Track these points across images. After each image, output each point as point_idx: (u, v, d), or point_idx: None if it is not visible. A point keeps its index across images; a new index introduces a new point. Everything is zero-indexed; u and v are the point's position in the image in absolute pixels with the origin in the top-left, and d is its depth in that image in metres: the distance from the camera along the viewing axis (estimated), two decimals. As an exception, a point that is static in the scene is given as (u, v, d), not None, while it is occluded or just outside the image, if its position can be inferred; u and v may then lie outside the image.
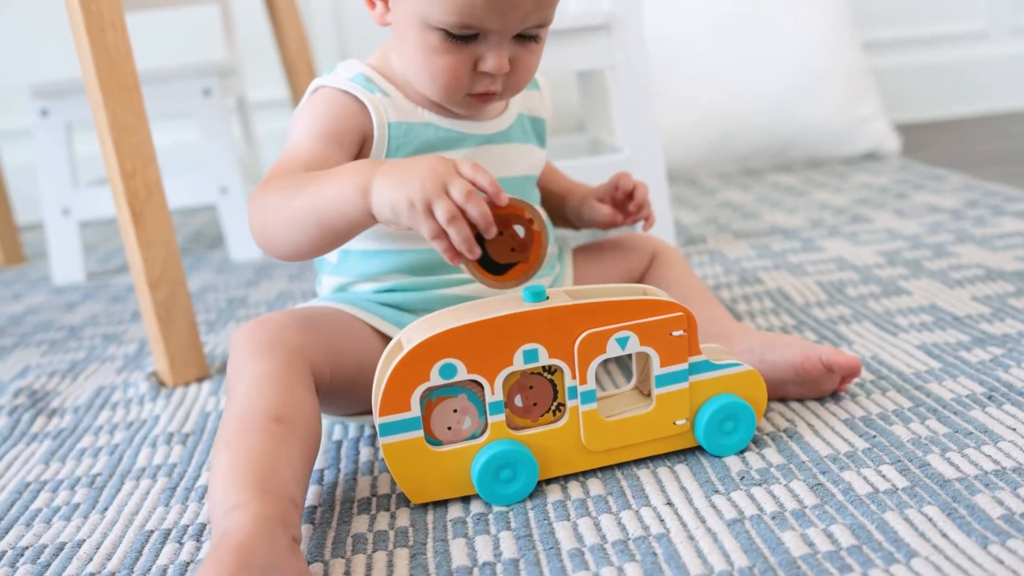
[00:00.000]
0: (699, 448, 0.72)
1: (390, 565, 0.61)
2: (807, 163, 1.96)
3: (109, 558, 0.65)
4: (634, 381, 0.75)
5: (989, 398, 0.75)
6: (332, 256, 0.82)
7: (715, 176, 1.94)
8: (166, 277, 0.98)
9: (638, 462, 0.71)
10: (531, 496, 0.68)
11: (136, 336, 1.20)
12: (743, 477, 0.67)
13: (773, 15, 1.96)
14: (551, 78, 0.97)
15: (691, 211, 1.62)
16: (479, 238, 0.63)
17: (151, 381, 0.99)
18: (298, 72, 1.71)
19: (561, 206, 0.93)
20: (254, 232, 0.71)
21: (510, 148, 0.82)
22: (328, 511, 0.69)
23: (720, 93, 1.92)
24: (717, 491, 0.66)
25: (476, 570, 0.59)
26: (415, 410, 0.66)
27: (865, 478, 0.65)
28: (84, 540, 0.68)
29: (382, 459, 0.76)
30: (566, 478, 0.70)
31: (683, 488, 0.67)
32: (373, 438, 0.81)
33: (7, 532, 0.71)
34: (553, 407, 0.69)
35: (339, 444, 0.80)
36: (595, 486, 0.68)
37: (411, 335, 0.67)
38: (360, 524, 0.67)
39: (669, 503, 0.65)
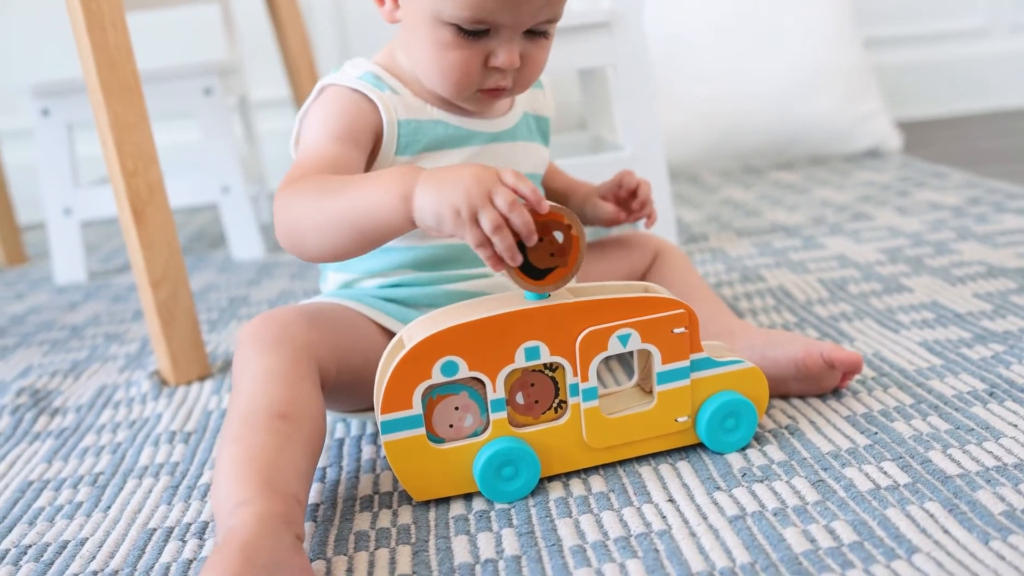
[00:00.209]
0: (701, 445, 0.72)
1: (392, 562, 0.61)
2: (808, 160, 1.96)
3: (112, 556, 0.66)
4: (636, 378, 0.75)
5: (991, 395, 0.75)
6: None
7: (716, 174, 1.94)
8: (168, 276, 0.98)
9: (640, 459, 0.71)
10: (533, 493, 0.68)
11: (138, 335, 1.20)
12: (745, 474, 0.67)
13: (774, 12, 1.96)
14: (552, 76, 0.97)
15: (693, 209, 1.62)
16: (520, 244, 0.63)
17: (153, 380, 0.99)
18: (299, 71, 1.71)
19: (564, 204, 0.93)
20: (281, 234, 0.70)
21: (516, 146, 0.82)
22: (330, 509, 0.69)
23: (721, 91, 1.92)
24: (719, 488, 0.66)
25: (478, 567, 0.60)
26: (417, 408, 0.66)
27: (867, 474, 0.65)
28: (87, 538, 0.69)
29: (384, 457, 0.76)
30: (568, 475, 0.70)
31: (685, 485, 0.67)
32: (375, 436, 0.81)
33: (10, 531, 0.71)
34: (555, 404, 0.69)
35: (341, 442, 0.81)
36: (597, 483, 0.68)
37: (413, 333, 0.67)
38: (362, 522, 0.67)
39: (671, 500, 0.65)
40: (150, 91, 1.14)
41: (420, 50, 0.73)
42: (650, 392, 0.71)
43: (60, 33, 1.48)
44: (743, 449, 0.71)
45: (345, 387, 0.74)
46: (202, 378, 1.00)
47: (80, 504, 0.74)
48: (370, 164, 0.76)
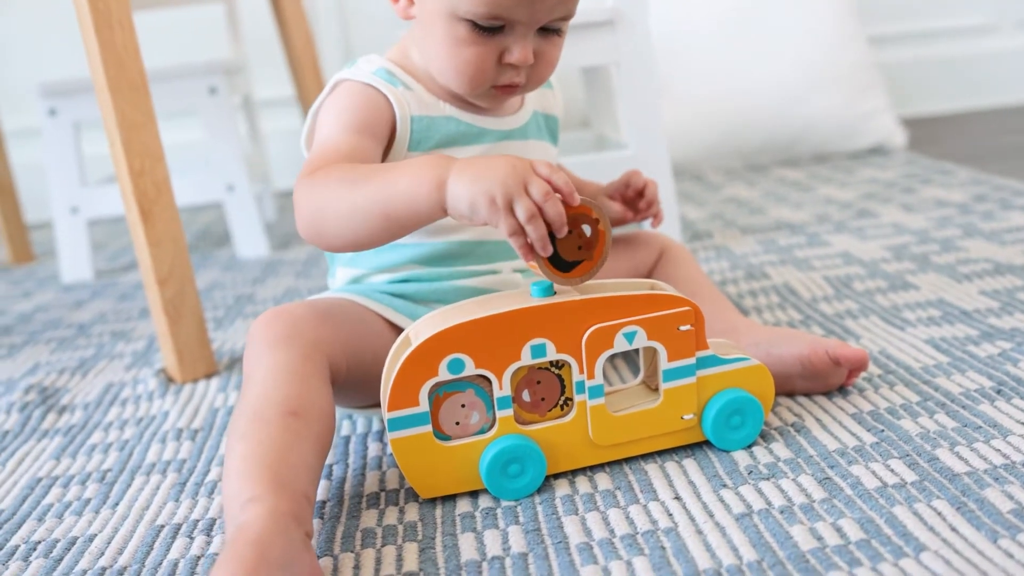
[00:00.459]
0: (707, 443, 0.72)
1: (399, 559, 0.61)
2: (813, 158, 1.96)
3: (120, 552, 0.66)
4: (641, 376, 0.75)
5: (998, 392, 0.75)
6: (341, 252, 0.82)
7: (721, 171, 1.94)
8: (175, 274, 0.98)
9: (646, 457, 0.71)
10: (539, 491, 0.68)
11: (144, 333, 1.20)
12: (751, 471, 0.67)
13: (778, 10, 1.96)
14: (556, 74, 0.97)
15: (697, 207, 1.62)
16: (550, 235, 0.64)
17: (160, 378, 1.00)
18: (304, 70, 1.71)
19: None
20: (304, 222, 0.70)
21: (527, 144, 0.82)
22: (337, 506, 0.70)
23: (725, 88, 1.92)
24: (725, 485, 0.66)
25: (485, 564, 0.60)
26: (423, 405, 0.66)
27: (873, 472, 0.65)
28: (96, 535, 0.69)
29: (390, 454, 0.77)
30: (574, 473, 0.70)
31: (691, 482, 0.67)
32: (381, 433, 0.81)
33: (20, 527, 0.71)
34: (561, 402, 0.69)
35: (347, 439, 0.81)
36: (603, 480, 0.69)
37: (419, 330, 0.67)
38: (369, 519, 0.67)
39: (677, 497, 0.65)
40: (155, 90, 1.14)
41: (435, 46, 0.74)
42: (656, 389, 0.71)
43: (67, 33, 1.48)
44: (749, 447, 0.71)
45: (354, 383, 0.75)
46: (208, 376, 1.01)
47: (88, 501, 0.75)
48: (383, 159, 0.77)
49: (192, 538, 0.67)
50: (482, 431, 0.68)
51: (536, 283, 0.68)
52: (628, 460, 0.71)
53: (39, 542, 0.69)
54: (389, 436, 0.66)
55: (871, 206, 1.47)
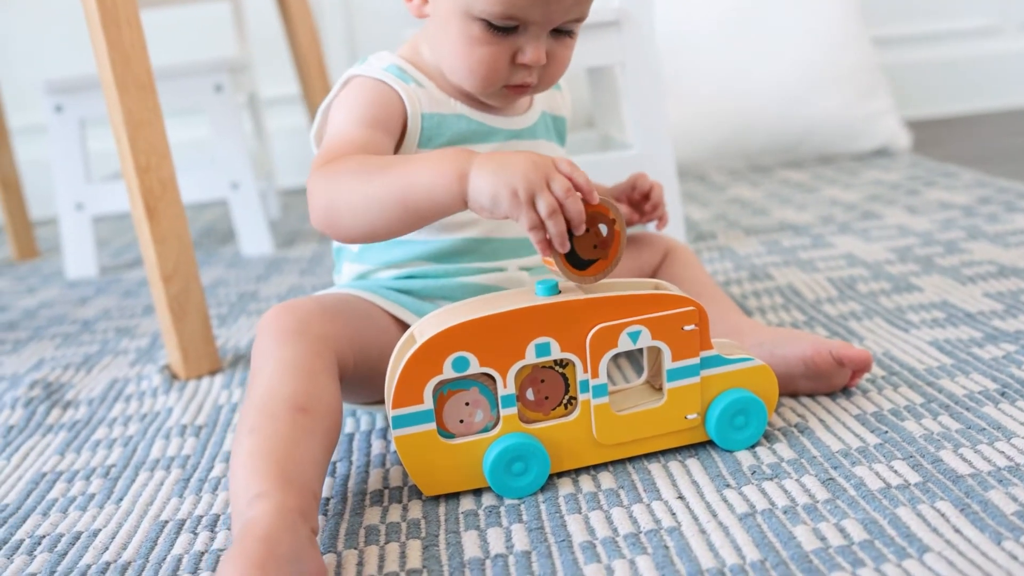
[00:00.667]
0: (710, 442, 0.72)
1: (403, 556, 0.62)
2: (817, 159, 1.96)
3: (125, 547, 0.66)
4: (645, 375, 0.75)
5: (1002, 394, 0.75)
6: (353, 245, 0.83)
7: (724, 172, 1.94)
8: (179, 271, 0.98)
9: (649, 456, 0.71)
10: (542, 489, 0.68)
11: (148, 330, 1.21)
12: (754, 471, 0.67)
13: (782, 10, 1.96)
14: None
15: (701, 207, 1.62)
16: (568, 233, 0.65)
17: (164, 374, 1.00)
18: (309, 68, 1.72)
19: None
20: (319, 213, 0.70)
21: (536, 144, 0.83)
22: (341, 503, 0.70)
23: (729, 89, 1.92)
24: (728, 485, 0.66)
25: (488, 562, 0.60)
26: (428, 403, 0.66)
27: (877, 473, 0.65)
28: (100, 530, 0.69)
29: (394, 451, 0.77)
30: (577, 471, 0.70)
31: (694, 482, 0.67)
32: (385, 431, 0.81)
33: (24, 521, 0.72)
34: (565, 401, 0.69)
35: (351, 436, 0.81)
36: (606, 479, 0.69)
37: (424, 328, 0.67)
38: (373, 516, 0.67)
39: (680, 497, 0.65)
40: (161, 88, 1.14)
41: (448, 45, 0.74)
42: (660, 389, 0.71)
43: (73, 30, 1.49)
44: (753, 447, 0.71)
45: (360, 379, 0.75)
46: (212, 372, 1.01)
47: (93, 496, 0.75)
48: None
49: (196, 534, 0.67)
50: (486, 429, 0.68)
51: (541, 282, 0.68)
52: (631, 459, 0.71)
53: (43, 537, 0.69)
54: (393, 433, 0.66)
55: (875, 208, 1.47)
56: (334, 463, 0.76)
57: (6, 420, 0.92)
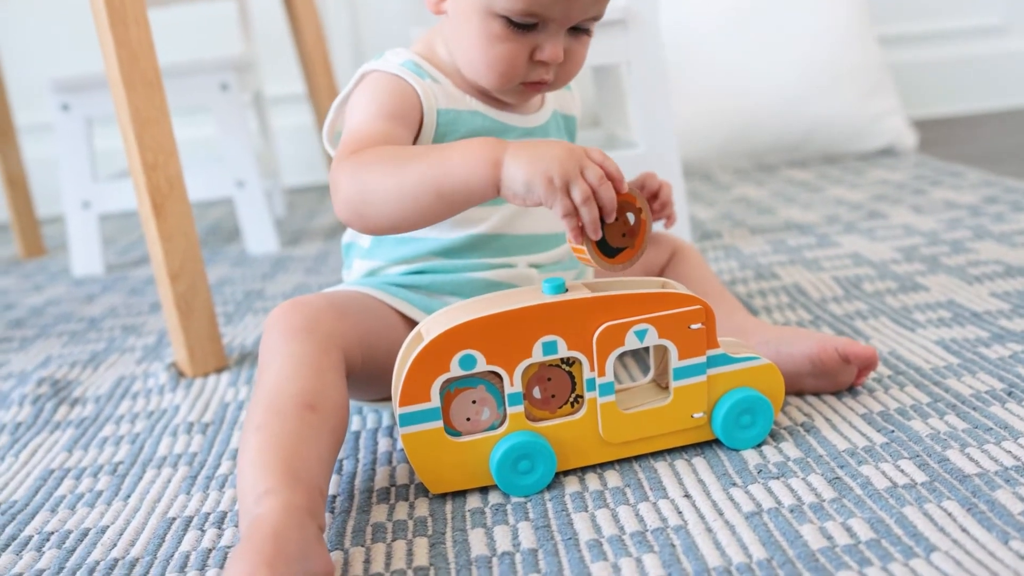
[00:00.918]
0: (716, 441, 0.72)
1: (410, 554, 0.62)
2: (822, 158, 1.96)
3: (132, 544, 0.66)
4: (652, 374, 0.75)
5: (1009, 394, 0.75)
6: (364, 241, 0.83)
7: (730, 171, 1.94)
8: (186, 269, 0.99)
9: (655, 454, 0.72)
10: (549, 487, 0.68)
11: (155, 328, 1.21)
12: (761, 470, 0.67)
13: (788, 9, 1.95)
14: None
15: (706, 206, 1.62)
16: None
17: (170, 372, 1.00)
18: (314, 67, 1.72)
19: None
20: (346, 203, 0.70)
21: None
22: (347, 500, 0.70)
23: (735, 88, 1.92)
24: (735, 484, 0.66)
25: (495, 560, 0.60)
26: (434, 401, 0.66)
27: (883, 472, 0.65)
28: (108, 526, 0.69)
29: (401, 449, 0.77)
30: (584, 470, 0.70)
31: (701, 481, 0.67)
32: (391, 428, 0.82)
33: (33, 517, 0.72)
34: (571, 399, 0.69)
35: (358, 434, 0.81)
36: (613, 478, 0.69)
37: (431, 326, 0.67)
38: (379, 513, 0.67)
39: (687, 495, 0.65)
40: (167, 86, 1.14)
41: (467, 41, 0.74)
42: (666, 388, 0.71)
43: (80, 29, 1.49)
44: (759, 446, 0.71)
45: (368, 377, 0.75)
46: (219, 370, 1.01)
47: (100, 493, 0.75)
48: None
49: (203, 531, 0.67)
50: (493, 427, 0.68)
51: (548, 280, 0.68)
52: (638, 458, 0.71)
53: (52, 533, 0.69)
54: (400, 431, 0.66)
55: (881, 207, 1.47)
56: (341, 461, 0.76)
57: (14, 417, 0.93)
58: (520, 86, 0.76)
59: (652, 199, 0.89)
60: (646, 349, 0.86)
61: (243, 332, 1.15)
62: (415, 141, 0.77)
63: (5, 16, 2.22)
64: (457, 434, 0.68)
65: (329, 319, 0.71)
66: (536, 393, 0.68)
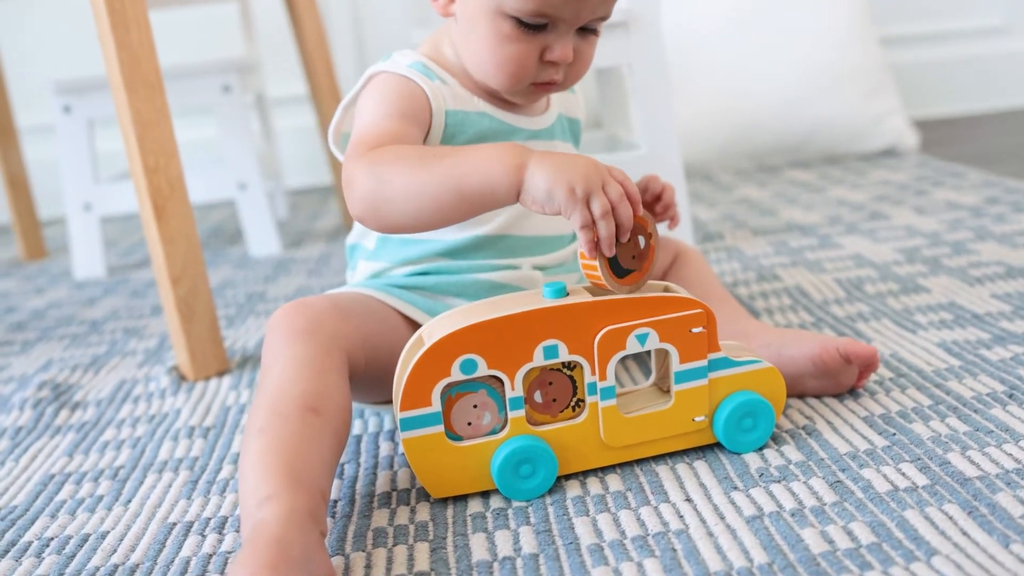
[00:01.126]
0: (718, 445, 0.72)
1: (410, 559, 0.62)
2: (824, 159, 1.95)
3: (133, 549, 0.66)
4: (653, 377, 0.75)
5: (1010, 396, 0.75)
6: (369, 242, 0.83)
7: (732, 172, 1.93)
8: (187, 272, 0.99)
9: (657, 458, 0.71)
10: (550, 491, 0.68)
11: (156, 331, 1.21)
12: (762, 474, 0.67)
13: (790, 10, 1.95)
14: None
15: (708, 208, 1.62)
16: None
17: (172, 375, 1.00)
18: (317, 68, 1.72)
19: None
20: (361, 201, 0.69)
21: (553, 145, 0.83)
22: (348, 505, 0.70)
23: (736, 89, 1.92)
24: (736, 488, 0.66)
25: (496, 564, 0.60)
26: (436, 405, 0.66)
27: (885, 476, 0.65)
28: (108, 531, 0.69)
29: (402, 454, 0.77)
30: (585, 474, 0.70)
31: (702, 484, 0.67)
32: (393, 432, 0.82)
33: (33, 523, 0.72)
34: (572, 403, 0.69)
35: (359, 438, 0.81)
36: (614, 482, 0.69)
37: (432, 331, 0.67)
38: (380, 518, 0.67)
39: (688, 499, 0.65)
40: (169, 88, 1.15)
41: (477, 42, 0.74)
42: (668, 391, 0.71)
43: (82, 30, 1.49)
44: (760, 449, 0.71)
45: (371, 379, 0.75)
46: (220, 374, 1.01)
47: (101, 498, 0.75)
48: None
49: (204, 536, 0.67)
50: (494, 432, 0.68)
51: (548, 284, 0.68)
52: (639, 462, 0.71)
53: (52, 538, 0.69)
54: (401, 436, 0.66)
55: (883, 208, 1.46)
56: (342, 465, 0.76)
57: (15, 421, 0.93)
58: (530, 86, 0.76)
59: (655, 201, 0.89)
60: (648, 352, 0.86)
61: (245, 335, 1.15)
62: (423, 142, 0.77)
63: (7, 17, 2.22)
64: (458, 438, 0.68)
65: (332, 321, 0.71)
66: (537, 397, 0.68)
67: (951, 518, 0.59)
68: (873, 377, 0.82)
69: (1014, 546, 0.55)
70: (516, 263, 0.81)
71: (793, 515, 0.61)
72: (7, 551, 0.68)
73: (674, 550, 0.59)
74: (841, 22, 1.96)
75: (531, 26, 0.72)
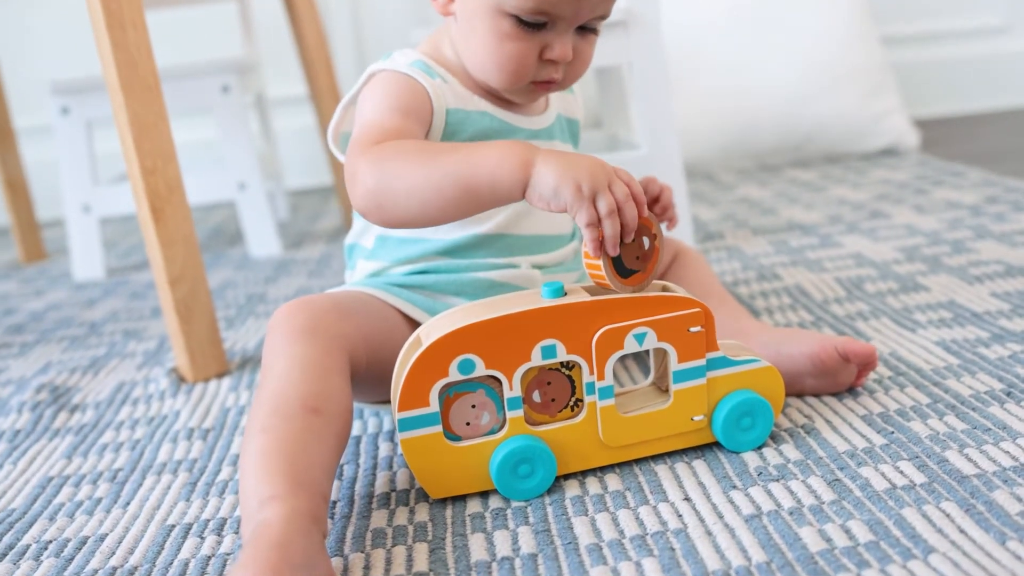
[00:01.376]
0: (716, 444, 0.72)
1: (409, 560, 0.62)
2: (825, 159, 1.95)
3: (131, 552, 0.66)
4: (652, 377, 0.75)
5: (1008, 394, 0.75)
6: (368, 242, 0.83)
7: (732, 172, 1.93)
8: (186, 274, 0.99)
9: (656, 458, 0.71)
10: (549, 491, 0.68)
11: (156, 332, 1.21)
12: (760, 473, 0.67)
13: (790, 9, 1.95)
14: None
15: (709, 207, 1.62)
16: None
17: (171, 377, 1.00)
18: (317, 68, 1.72)
19: None
20: (365, 195, 0.69)
21: (553, 145, 0.84)
22: (347, 506, 0.70)
23: (737, 88, 1.92)
24: (735, 487, 0.66)
25: (495, 564, 0.60)
26: (434, 406, 0.66)
27: (883, 474, 0.65)
28: (107, 534, 0.69)
29: (401, 454, 0.77)
30: (584, 473, 0.70)
31: (701, 483, 0.67)
32: (391, 433, 0.82)
33: (31, 526, 0.72)
34: (571, 403, 0.69)
35: (358, 439, 0.81)
36: (613, 481, 0.69)
37: (430, 331, 0.67)
38: (379, 519, 0.67)
39: (687, 498, 0.65)
40: (168, 89, 1.15)
41: (476, 41, 0.75)
42: (666, 391, 0.71)
43: (80, 31, 1.49)
44: (759, 448, 0.71)
45: (373, 379, 0.75)
46: (220, 375, 1.01)
47: (99, 500, 0.75)
48: None
49: (203, 538, 0.67)
50: (492, 432, 0.68)
51: (547, 284, 0.68)
52: (638, 461, 0.71)
53: (50, 541, 0.69)
54: (399, 436, 0.66)
55: (883, 207, 1.46)
56: (341, 466, 0.76)
57: (13, 424, 0.93)
58: (529, 85, 0.76)
59: (653, 203, 0.89)
60: (646, 352, 0.86)
61: (245, 336, 1.15)
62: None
63: (5, 18, 2.22)
64: (457, 439, 0.68)
65: (333, 320, 0.71)
66: (536, 397, 0.68)
67: (949, 516, 0.59)
68: (872, 376, 0.82)
69: (1011, 543, 0.55)
70: (515, 262, 0.81)
71: (791, 514, 0.61)
72: (5, 554, 0.68)
73: (672, 549, 0.59)
74: (842, 21, 1.95)
75: (531, 24, 0.72)
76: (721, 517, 0.62)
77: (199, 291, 1.00)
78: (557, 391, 0.68)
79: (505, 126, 0.80)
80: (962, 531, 0.57)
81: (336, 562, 0.62)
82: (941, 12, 2.40)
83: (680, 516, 0.63)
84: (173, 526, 0.69)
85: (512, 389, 0.67)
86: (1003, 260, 1.11)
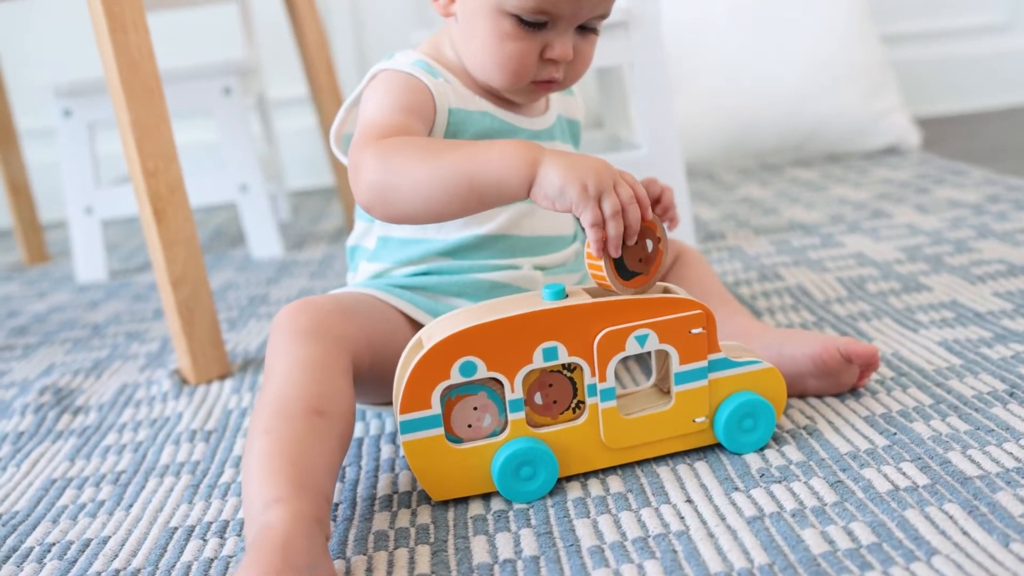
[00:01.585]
0: (719, 445, 0.72)
1: (411, 562, 0.62)
2: (826, 158, 1.95)
3: (134, 554, 0.66)
4: (653, 379, 0.75)
5: (1011, 395, 0.75)
6: (370, 243, 0.83)
7: (733, 171, 1.93)
8: (188, 275, 0.99)
9: (658, 459, 0.71)
10: (551, 493, 0.68)
11: (158, 334, 1.21)
12: (763, 474, 0.67)
13: (791, 9, 1.95)
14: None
15: (710, 207, 1.62)
16: None
17: (174, 379, 1.00)
18: (317, 70, 1.72)
19: None
20: (369, 189, 0.69)
21: (554, 146, 0.83)
22: (349, 508, 0.70)
23: (738, 87, 1.92)
24: (737, 488, 0.66)
25: (497, 567, 0.60)
26: (435, 408, 0.66)
27: (885, 475, 0.65)
28: (110, 537, 0.69)
29: (403, 456, 0.77)
30: (586, 475, 0.70)
31: (703, 485, 0.67)
32: (393, 435, 0.82)
33: (34, 528, 0.72)
34: (573, 405, 0.69)
35: (360, 441, 0.81)
36: (615, 483, 0.69)
37: (432, 333, 0.67)
38: (381, 521, 0.67)
39: (689, 500, 0.65)
40: (169, 91, 1.15)
41: (477, 41, 0.75)
42: (668, 392, 0.71)
43: (82, 33, 1.49)
44: (761, 449, 0.71)
45: (375, 380, 0.75)
46: (222, 377, 1.01)
47: (102, 503, 0.75)
48: None
49: (206, 540, 0.67)
50: (494, 434, 0.68)
51: (548, 286, 0.68)
52: (640, 463, 0.71)
53: (53, 544, 0.69)
54: (401, 438, 0.66)
55: (885, 206, 1.46)
56: (343, 468, 0.76)
57: (16, 426, 0.93)
58: (530, 85, 0.77)
59: (654, 204, 0.90)
60: (648, 353, 0.86)
61: (247, 338, 1.15)
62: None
63: (7, 20, 2.22)
64: (459, 441, 0.68)
65: (337, 321, 0.71)
66: (537, 399, 0.68)
67: (951, 517, 0.59)
68: (874, 376, 0.82)
69: (1014, 545, 0.55)
70: (517, 263, 0.81)
71: (794, 515, 0.61)
72: (8, 557, 0.68)
73: (675, 551, 0.59)
74: (842, 20, 1.95)
75: (531, 24, 0.73)
76: (723, 519, 0.62)
77: (201, 293, 1.00)
78: (559, 393, 0.68)
79: (506, 126, 0.80)
80: (965, 533, 0.57)
81: (338, 564, 0.62)
82: (942, 10, 2.40)
83: (682, 518, 0.63)
84: (176, 528, 0.69)
85: (514, 391, 0.67)
86: (1005, 259, 1.11)
